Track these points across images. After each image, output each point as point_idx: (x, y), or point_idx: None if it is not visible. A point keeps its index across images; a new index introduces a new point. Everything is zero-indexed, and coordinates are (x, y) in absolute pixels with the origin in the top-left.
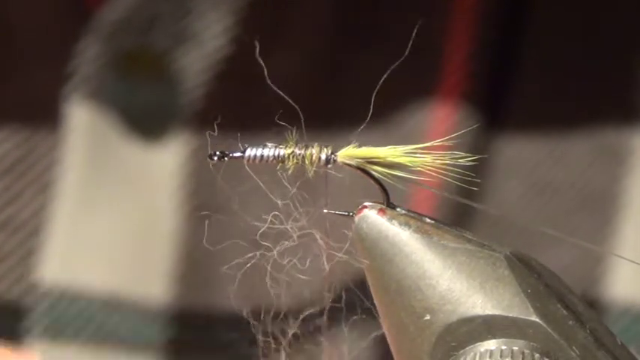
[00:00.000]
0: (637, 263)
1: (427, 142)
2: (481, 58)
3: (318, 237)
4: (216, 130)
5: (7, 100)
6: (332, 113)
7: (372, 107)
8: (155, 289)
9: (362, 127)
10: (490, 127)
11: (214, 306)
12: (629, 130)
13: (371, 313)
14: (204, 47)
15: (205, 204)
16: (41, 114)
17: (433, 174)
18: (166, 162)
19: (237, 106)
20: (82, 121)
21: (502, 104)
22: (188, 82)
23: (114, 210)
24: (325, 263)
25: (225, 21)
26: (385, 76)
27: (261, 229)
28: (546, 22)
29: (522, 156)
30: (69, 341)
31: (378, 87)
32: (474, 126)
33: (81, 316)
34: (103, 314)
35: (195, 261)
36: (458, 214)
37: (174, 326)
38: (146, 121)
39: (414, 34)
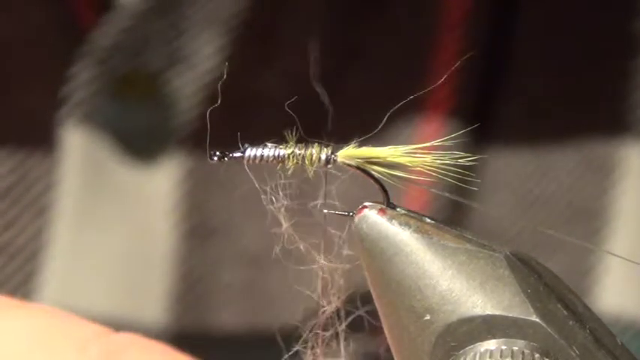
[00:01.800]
0: (631, 261)
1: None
2: (468, 72)
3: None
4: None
5: (2, 124)
6: (320, 133)
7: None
8: (152, 310)
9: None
10: (478, 141)
11: (212, 327)
12: (617, 142)
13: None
14: (197, 68)
15: (201, 224)
16: (36, 138)
17: (432, 174)
18: (161, 183)
19: (230, 126)
20: (77, 145)
21: (489, 118)
22: (181, 103)
23: (110, 232)
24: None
25: (218, 42)
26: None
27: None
28: (534, 36)
29: (510, 169)
30: None
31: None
32: (461, 140)
33: None
34: None
35: (192, 282)
36: (455, 213)
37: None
38: (140, 142)
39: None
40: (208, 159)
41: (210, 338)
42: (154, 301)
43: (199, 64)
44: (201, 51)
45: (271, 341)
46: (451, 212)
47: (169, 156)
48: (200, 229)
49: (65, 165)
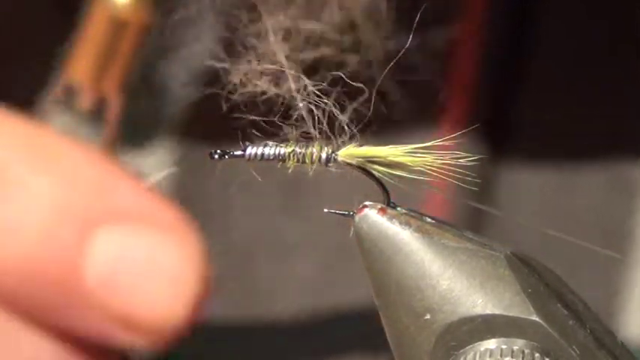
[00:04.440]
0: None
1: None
2: (489, 91)
3: None
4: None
5: None
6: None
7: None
8: None
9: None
10: (498, 157)
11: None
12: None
13: None
14: (189, 58)
15: (191, 213)
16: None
17: (436, 174)
18: (149, 172)
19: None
20: (62, 131)
21: (511, 135)
22: (172, 92)
23: None
24: None
25: (211, 33)
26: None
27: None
28: (554, 49)
29: (533, 187)
30: None
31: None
32: (481, 157)
33: None
34: None
35: None
36: (474, 221)
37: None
38: (129, 131)
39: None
40: (209, 157)
41: (199, 329)
42: None
43: (191, 54)
44: (193, 42)
45: (262, 332)
46: (471, 220)
47: (159, 144)
48: (191, 216)
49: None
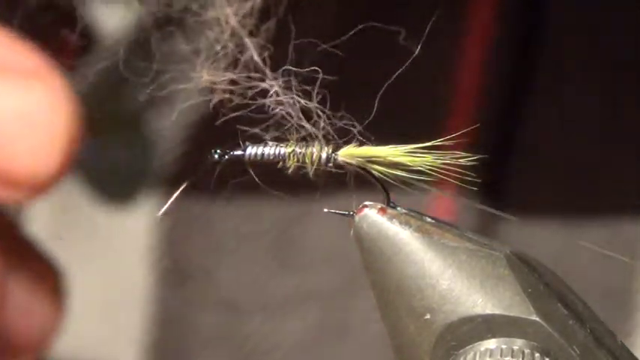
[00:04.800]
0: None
1: None
2: (487, 146)
3: None
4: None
5: None
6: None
7: None
8: (127, 354)
9: None
10: (499, 211)
11: None
12: None
13: None
14: (178, 109)
15: (177, 267)
16: None
17: (436, 174)
18: (137, 225)
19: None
20: None
21: (513, 189)
22: (160, 144)
23: (84, 272)
24: None
25: (200, 82)
26: None
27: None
28: (553, 119)
29: (537, 241)
30: None
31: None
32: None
33: None
34: None
35: (167, 325)
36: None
37: None
38: (117, 183)
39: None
40: (209, 157)
41: None
42: (128, 345)
43: (181, 105)
44: (183, 92)
45: None
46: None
47: (146, 197)
48: (176, 272)
49: (36, 207)
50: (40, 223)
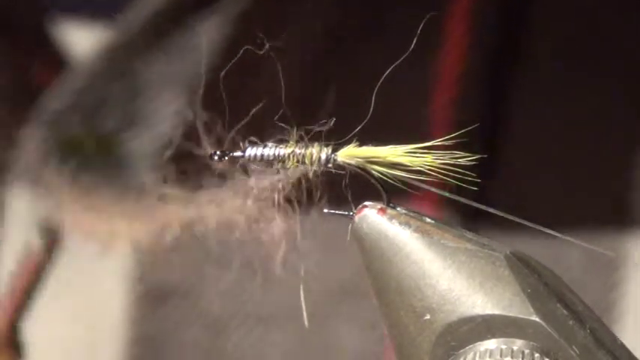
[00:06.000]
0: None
1: None
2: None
3: None
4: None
5: None
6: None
7: None
8: None
9: None
10: (477, 223)
11: None
12: (624, 234)
13: None
14: (154, 129)
15: (157, 286)
16: None
17: (434, 174)
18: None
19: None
20: (24, 207)
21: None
22: (137, 164)
23: (62, 296)
24: None
25: (177, 102)
26: None
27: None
28: (532, 131)
29: (518, 244)
30: None
31: None
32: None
33: None
34: None
35: (148, 344)
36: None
37: None
38: None
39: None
40: (209, 158)
41: None
42: None
43: (156, 125)
44: (158, 112)
45: None
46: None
47: None
48: (157, 290)
49: (9, 227)
50: (15, 245)
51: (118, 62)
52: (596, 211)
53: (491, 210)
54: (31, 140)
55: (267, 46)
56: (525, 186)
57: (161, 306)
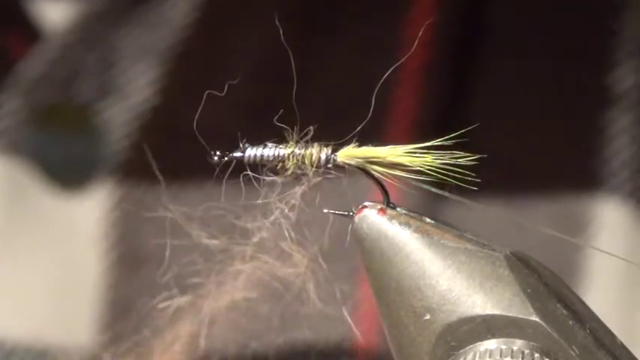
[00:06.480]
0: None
1: None
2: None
3: None
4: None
5: None
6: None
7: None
8: (81, 337)
9: None
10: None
11: (144, 355)
12: (591, 198)
13: None
14: (129, 99)
15: (131, 253)
16: None
17: (435, 174)
18: (89, 212)
19: (162, 156)
20: (0, 174)
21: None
22: (112, 134)
23: (34, 260)
24: None
25: (151, 73)
26: None
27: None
28: (501, 90)
29: (484, 224)
30: None
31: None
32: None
33: None
34: None
35: (122, 308)
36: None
37: None
38: (68, 172)
39: None
40: (208, 159)
41: None
42: (82, 328)
43: (131, 95)
44: (133, 82)
45: None
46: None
47: (98, 185)
48: (130, 257)
49: None
50: None
51: (92, 33)
52: (563, 174)
53: (491, 210)
54: (8, 107)
55: None
56: (492, 150)
57: (135, 272)
